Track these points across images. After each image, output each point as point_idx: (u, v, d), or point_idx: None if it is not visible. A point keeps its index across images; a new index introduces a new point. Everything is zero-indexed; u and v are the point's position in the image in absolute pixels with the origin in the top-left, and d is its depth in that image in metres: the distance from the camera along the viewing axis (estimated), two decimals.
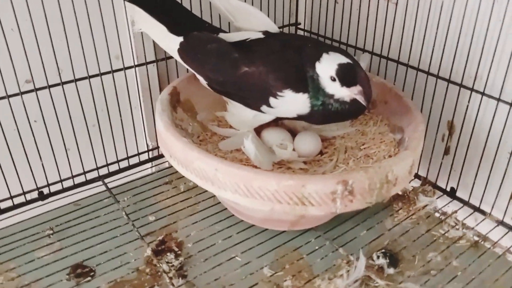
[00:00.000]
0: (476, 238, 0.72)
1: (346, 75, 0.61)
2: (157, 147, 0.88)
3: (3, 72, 0.67)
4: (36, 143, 0.73)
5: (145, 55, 0.79)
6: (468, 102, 0.72)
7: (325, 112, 0.65)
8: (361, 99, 0.61)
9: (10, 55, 0.66)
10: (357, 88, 0.61)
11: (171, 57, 0.81)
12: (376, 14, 0.81)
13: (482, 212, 0.75)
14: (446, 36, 0.72)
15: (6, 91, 0.68)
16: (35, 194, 0.76)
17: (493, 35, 0.67)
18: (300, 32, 0.99)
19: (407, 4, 0.77)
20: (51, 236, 0.71)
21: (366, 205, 0.60)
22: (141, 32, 0.76)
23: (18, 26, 0.66)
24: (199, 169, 0.60)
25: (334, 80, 0.62)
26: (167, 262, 0.67)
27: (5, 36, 0.65)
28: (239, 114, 0.73)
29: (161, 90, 0.84)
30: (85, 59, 0.73)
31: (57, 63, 0.71)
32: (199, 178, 0.61)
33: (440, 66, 0.74)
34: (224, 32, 0.74)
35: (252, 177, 0.57)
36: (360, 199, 0.58)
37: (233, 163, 0.60)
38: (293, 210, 0.58)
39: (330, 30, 0.91)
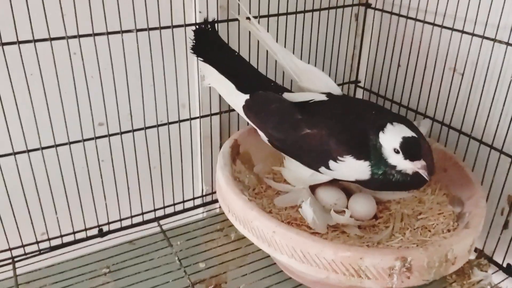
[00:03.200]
0: None
1: (411, 149, 0.61)
2: (211, 193, 0.90)
3: (80, 112, 0.72)
4: (102, 182, 0.77)
5: (210, 107, 0.82)
6: None
7: (385, 181, 0.65)
8: (424, 173, 0.61)
9: (89, 100, 0.71)
10: (421, 163, 0.61)
11: (233, 110, 0.84)
12: (440, 82, 0.82)
13: None
14: None
15: (82, 135, 0.72)
16: (95, 231, 0.80)
17: None
18: (360, 91, 1.00)
19: (474, 76, 0.77)
20: (107, 274, 0.74)
21: (422, 282, 0.59)
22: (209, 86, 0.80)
23: (100, 74, 0.71)
24: (257, 229, 0.62)
25: (397, 152, 0.62)
26: None
27: (87, 82, 0.71)
28: (296, 171, 0.75)
29: (221, 139, 0.87)
30: (156, 108, 0.78)
31: (130, 110, 0.76)
32: (256, 237, 0.63)
33: (504, 141, 0.73)
34: (288, 90, 0.77)
35: (310, 244, 0.58)
36: (417, 276, 0.58)
37: (291, 227, 0.61)
38: (348, 281, 0.58)
39: (391, 92, 0.92)
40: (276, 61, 0.81)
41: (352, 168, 0.66)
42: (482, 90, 0.75)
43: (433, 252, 0.57)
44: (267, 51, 0.79)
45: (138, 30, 0.69)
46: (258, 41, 0.80)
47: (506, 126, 0.73)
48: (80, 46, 0.67)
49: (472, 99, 0.78)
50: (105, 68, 0.72)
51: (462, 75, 0.78)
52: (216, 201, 0.91)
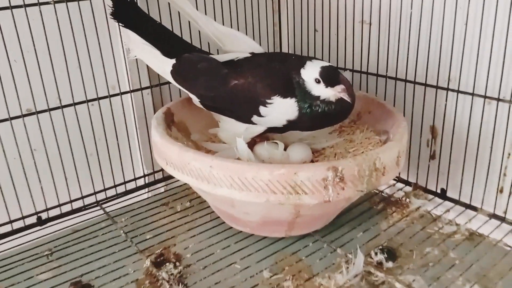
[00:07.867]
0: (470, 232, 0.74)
1: (329, 75, 0.66)
2: (153, 172, 0.90)
3: (6, 98, 0.71)
4: (36, 169, 0.75)
5: (140, 81, 0.84)
6: (446, 101, 0.77)
7: (313, 115, 0.68)
8: (345, 96, 0.65)
9: (14, 84, 0.71)
10: (341, 87, 0.65)
11: (164, 83, 0.86)
12: (353, 35, 0.88)
13: (474, 209, 0.77)
14: (418, 45, 0.79)
15: (8, 113, 0.71)
16: (34, 219, 0.77)
17: (460, 38, 0.73)
18: None
19: (379, 24, 0.84)
20: (49, 256, 0.71)
21: (357, 193, 0.62)
22: (136, 60, 0.82)
23: (23, 57, 0.71)
24: (195, 169, 0.63)
25: (318, 82, 0.66)
26: (167, 272, 0.67)
27: (11, 66, 0.70)
28: (231, 129, 0.77)
29: None
30: (84, 88, 0.78)
31: (58, 92, 0.75)
32: (194, 178, 0.63)
33: (415, 73, 0.80)
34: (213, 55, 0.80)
35: (245, 169, 0.59)
36: (351, 186, 0.61)
37: (226, 158, 0.62)
38: (288, 200, 0.60)
39: (312, 55, 0.98)
40: (199, 32, 0.84)
41: (281, 108, 0.69)
42: (389, 33, 0.82)
43: (362, 160, 0.61)
44: (189, 22, 0.82)
45: (56, 2, 0.70)
46: (179, 13, 0.83)
47: (415, 57, 0.79)
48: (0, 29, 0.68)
49: (382, 44, 0.84)
50: (27, 51, 0.72)
51: (370, 24, 0.85)
52: (159, 181, 0.91)
